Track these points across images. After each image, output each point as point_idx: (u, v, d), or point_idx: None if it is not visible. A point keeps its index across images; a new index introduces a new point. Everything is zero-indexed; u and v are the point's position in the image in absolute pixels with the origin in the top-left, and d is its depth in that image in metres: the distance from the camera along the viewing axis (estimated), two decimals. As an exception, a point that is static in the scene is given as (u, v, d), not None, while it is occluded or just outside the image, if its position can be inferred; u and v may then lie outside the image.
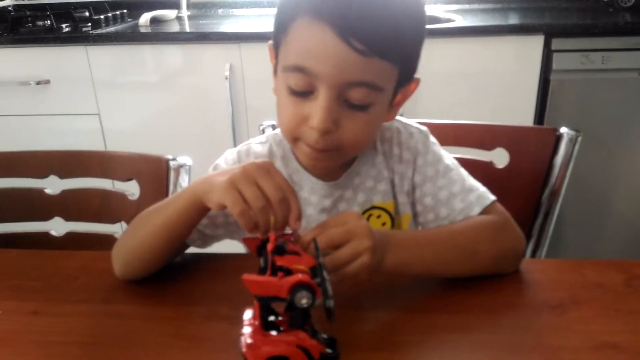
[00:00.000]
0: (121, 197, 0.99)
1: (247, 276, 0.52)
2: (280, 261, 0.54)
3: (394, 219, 0.81)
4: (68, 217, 1.04)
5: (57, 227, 1.06)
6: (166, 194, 0.93)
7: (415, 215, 0.82)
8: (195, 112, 1.91)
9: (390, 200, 0.80)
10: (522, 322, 0.62)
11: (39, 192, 1.03)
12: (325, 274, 0.53)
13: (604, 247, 1.93)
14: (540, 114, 1.78)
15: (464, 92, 1.79)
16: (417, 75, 0.72)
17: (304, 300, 0.51)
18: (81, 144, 1.94)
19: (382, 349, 0.58)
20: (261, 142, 0.82)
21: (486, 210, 0.75)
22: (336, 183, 0.79)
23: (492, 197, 0.76)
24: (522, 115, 1.77)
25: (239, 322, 0.57)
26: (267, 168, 0.61)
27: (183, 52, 1.87)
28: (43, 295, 0.72)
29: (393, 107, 0.74)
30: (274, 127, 1.02)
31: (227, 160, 0.82)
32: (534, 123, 1.78)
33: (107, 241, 1.02)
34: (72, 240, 1.03)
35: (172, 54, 1.88)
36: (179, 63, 1.89)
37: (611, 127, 1.76)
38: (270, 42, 0.72)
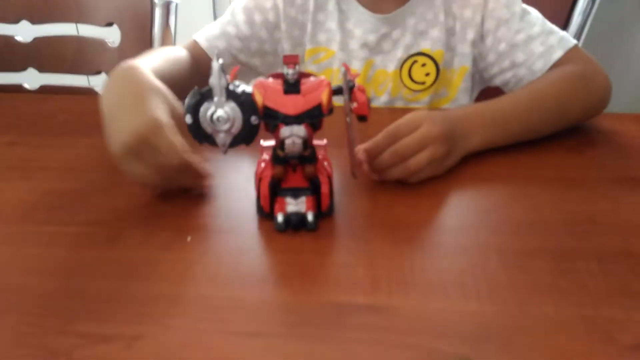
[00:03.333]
0: (100, 44, 0.92)
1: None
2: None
3: (440, 71, 0.75)
4: (42, 68, 0.97)
5: (31, 79, 0.99)
6: (150, 40, 0.87)
7: (484, 69, 0.75)
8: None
9: (440, 48, 0.74)
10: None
11: (9, 40, 0.95)
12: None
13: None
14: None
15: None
16: None
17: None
18: None
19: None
20: None
21: (568, 55, 0.68)
22: (386, 17, 0.74)
23: (574, 41, 0.69)
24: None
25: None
26: (148, 139, 0.48)
27: None
28: (20, 130, 0.68)
29: None
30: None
31: None
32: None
33: (86, 94, 0.96)
34: (47, 94, 0.97)
35: None
36: None
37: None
38: None
